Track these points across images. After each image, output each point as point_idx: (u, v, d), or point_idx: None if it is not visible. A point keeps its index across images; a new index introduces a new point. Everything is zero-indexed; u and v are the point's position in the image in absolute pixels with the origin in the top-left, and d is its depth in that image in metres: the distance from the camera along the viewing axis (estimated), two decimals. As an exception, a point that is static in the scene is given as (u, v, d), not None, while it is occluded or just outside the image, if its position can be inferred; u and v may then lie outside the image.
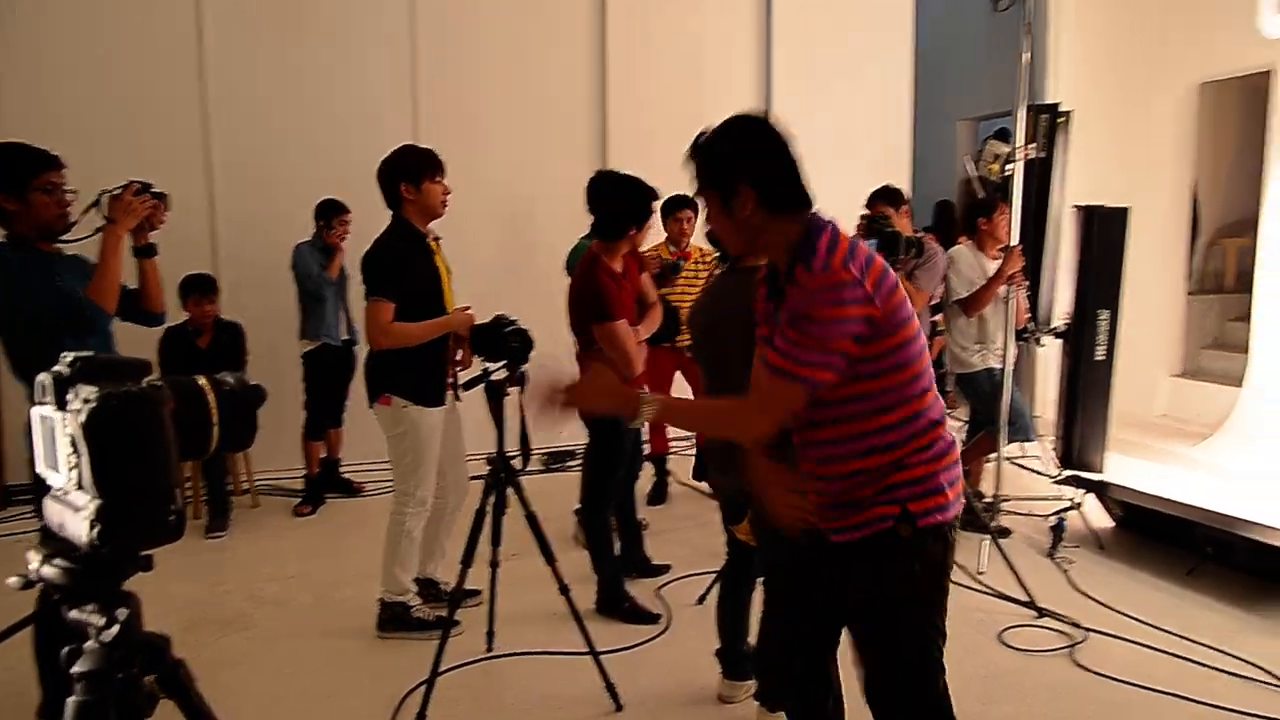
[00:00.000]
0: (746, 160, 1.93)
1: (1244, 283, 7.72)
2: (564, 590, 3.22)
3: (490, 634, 3.54)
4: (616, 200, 3.65)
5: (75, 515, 0.83)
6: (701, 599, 3.99)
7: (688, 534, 4.88)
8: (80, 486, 0.82)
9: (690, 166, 1.99)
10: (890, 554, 1.94)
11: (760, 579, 3.01)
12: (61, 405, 0.83)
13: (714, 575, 4.02)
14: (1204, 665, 3.37)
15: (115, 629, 0.88)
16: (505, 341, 3.01)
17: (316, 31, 6.00)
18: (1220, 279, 8.06)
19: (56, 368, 0.85)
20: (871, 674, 2.05)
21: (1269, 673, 3.30)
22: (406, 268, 3.43)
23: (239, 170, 5.88)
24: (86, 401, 0.81)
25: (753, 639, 3.11)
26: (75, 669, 0.89)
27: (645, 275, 3.95)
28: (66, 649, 0.90)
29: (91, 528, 0.81)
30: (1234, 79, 7.12)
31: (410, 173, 3.45)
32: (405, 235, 3.49)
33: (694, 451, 5.95)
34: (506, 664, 3.47)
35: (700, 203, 2.04)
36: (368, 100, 6.09)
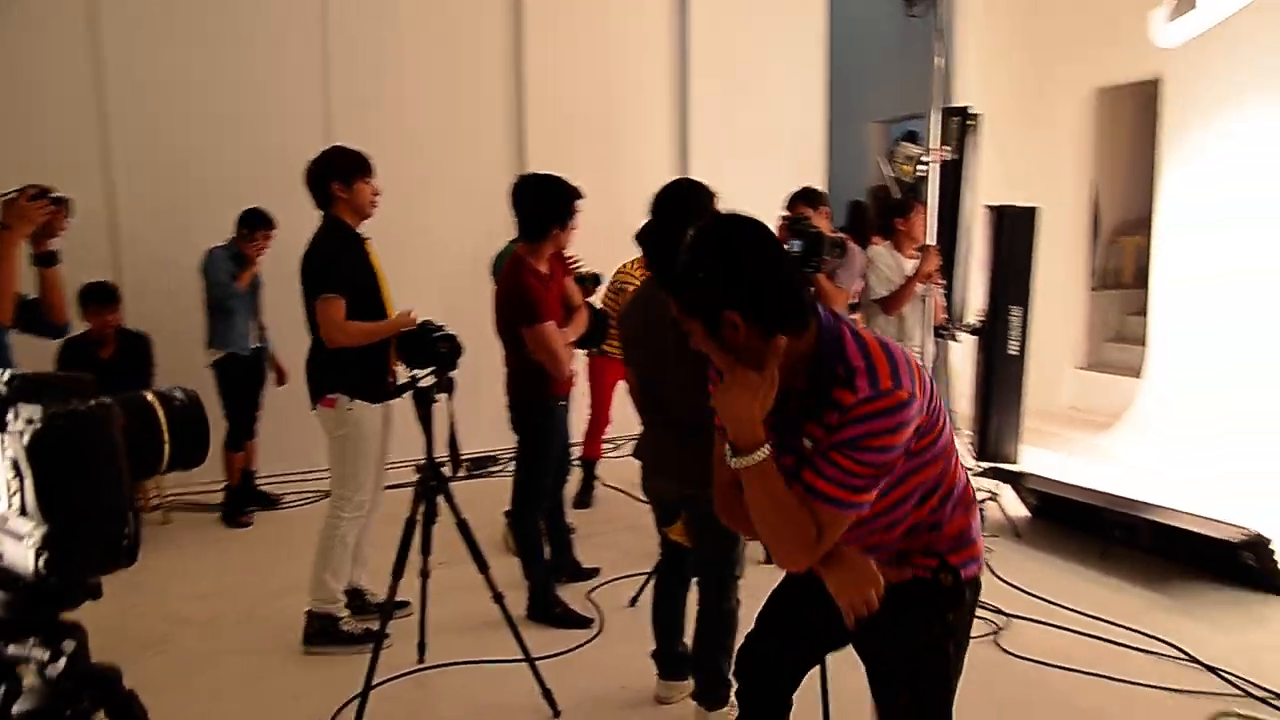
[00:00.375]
0: (734, 281, 1.66)
1: (1141, 278, 8.09)
2: (498, 598, 3.18)
3: (422, 645, 3.47)
4: (538, 201, 3.63)
5: (17, 544, 0.78)
6: (633, 601, 3.99)
7: (615, 537, 4.88)
8: (23, 512, 0.77)
9: (667, 291, 1.80)
10: (930, 599, 1.90)
11: (695, 579, 3.03)
12: None
13: (645, 577, 4.04)
14: (1119, 644, 3.51)
15: (62, 662, 0.83)
16: (434, 347, 2.96)
17: (224, 30, 5.78)
18: (1119, 275, 8.41)
19: None
20: (887, 713, 2.02)
21: (1177, 648, 3.45)
22: (347, 265, 3.41)
23: (141, 171, 5.60)
24: (30, 422, 0.75)
25: (688, 639, 3.12)
26: (16, 709, 0.83)
27: (570, 278, 3.93)
28: (2, 688, 0.85)
29: (38, 556, 0.76)
30: (1127, 85, 7.44)
31: (341, 171, 3.43)
32: (340, 233, 3.46)
33: (627, 455, 6.00)
34: (440, 675, 3.41)
35: None
36: (277, 101, 5.91)
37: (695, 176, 6.92)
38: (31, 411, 0.75)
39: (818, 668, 2.46)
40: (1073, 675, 3.28)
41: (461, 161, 6.36)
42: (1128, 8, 6.56)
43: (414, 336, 3.05)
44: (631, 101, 6.96)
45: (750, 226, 1.73)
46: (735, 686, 2.91)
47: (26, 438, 0.75)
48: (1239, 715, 2.87)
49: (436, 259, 6.18)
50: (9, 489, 0.77)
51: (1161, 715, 3.04)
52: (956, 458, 1.92)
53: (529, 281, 3.55)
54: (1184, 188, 6.69)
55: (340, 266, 3.40)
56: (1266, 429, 5.70)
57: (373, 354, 3.46)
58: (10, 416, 0.77)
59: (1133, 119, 8.02)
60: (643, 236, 2.97)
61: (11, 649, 0.83)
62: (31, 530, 0.76)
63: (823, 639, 2.12)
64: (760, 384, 1.66)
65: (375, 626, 3.18)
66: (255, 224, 5.11)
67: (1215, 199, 6.42)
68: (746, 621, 3.01)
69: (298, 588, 3.62)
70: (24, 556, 0.77)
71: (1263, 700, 3.10)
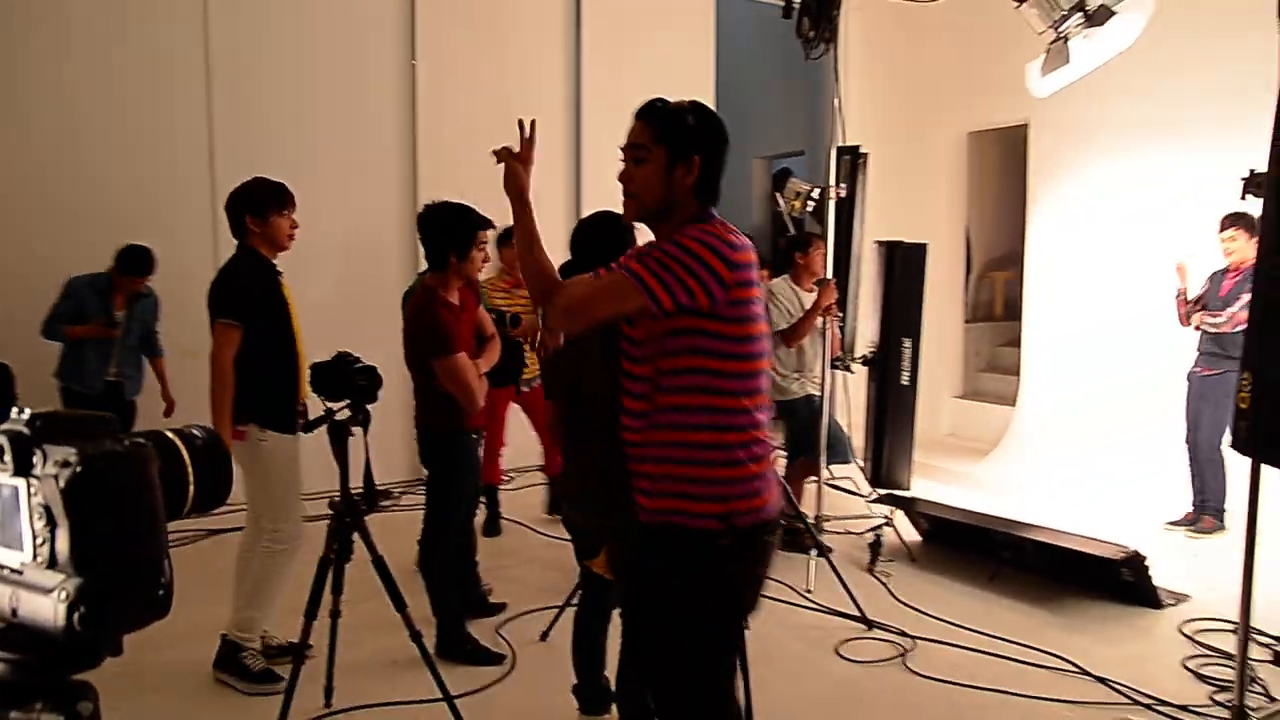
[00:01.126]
0: (709, 140, 2.14)
1: (1010, 311, 8.56)
2: (416, 636, 3.08)
3: (329, 688, 3.33)
4: (436, 230, 3.58)
5: (42, 598, 0.72)
6: (544, 636, 3.94)
7: (517, 570, 4.82)
8: (52, 564, 0.71)
9: (645, 119, 2.14)
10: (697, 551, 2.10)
11: (617, 611, 3.02)
12: (23, 470, 0.72)
13: (555, 611, 4.01)
14: (1017, 661, 3.67)
15: None
16: (352, 380, 2.87)
17: (98, 44, 5.49)
18: (991, 308, 8.87)
19: (9, 426, 0.74)
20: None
21: (1070, 662, 3.63)
22: (256, 294, 3.37)
23: (6, 194, 5.28)
24: (66, 465, 0.70)
25: (610, 673, 3.10)
26: None
27: (482, 308, 3.89)
28: None
29: (71, 610, 0.71)
30: (997, 130, 7.90)
31: (255, 205, 3.40)
32: (254, 263, 3.43)
33: (541, 484, 5.95)
34: (349, 719, 3.28)
35: (624, 156, 2.17)
36: (154, 120, 5.64)
37: (588, 206, 7.01)
38: (64, 454, 0.70)
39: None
40: (979, 693, 3.41)
41: (349, 183, 6.20)
42: (998, 56, 6.97)
43: (330, 367, 2.95)
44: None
45: (715, 115, 2.21)
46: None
47: (63, 481, 0.70)
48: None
49: (323, 281, 6.00)
50: (36, 538, 0.71)
51: (1062, 726, 3.20)
52: (765, 413, 2.14)
53: (439, 312, 3.50)
54: (1051, 226, 7.13)
55: (242, 295, 3.34)
56: (1129, 450, 6.09)
57: (281, 382, 3.41)
58: (37, 459, 0.72)
59: (1000, 160, 8.51)
60: (569, 269, 2.97)
61: (14, 715, 0.76)
62: (62, 583, 0.71)
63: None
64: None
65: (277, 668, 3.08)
66: (128, 268, 4.89)
67: (1078, 236, 6.87)
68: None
69: (187, 634, 3.42)
70: (51, 611, 0.71)
71: (1148, 707, 3.30)
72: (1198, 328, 5.26)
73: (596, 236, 2.97)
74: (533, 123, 2.38)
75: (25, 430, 0.72)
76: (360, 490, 3.02)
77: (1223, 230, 5.17)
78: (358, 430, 2.99)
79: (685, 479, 2.08)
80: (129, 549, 0.72)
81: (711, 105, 7.92)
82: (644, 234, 3.12)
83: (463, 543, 4.00)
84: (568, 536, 4.97)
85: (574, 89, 7.16)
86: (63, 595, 0.70)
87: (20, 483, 0.72)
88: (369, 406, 2.98)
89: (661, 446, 2.12)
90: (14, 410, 0.75)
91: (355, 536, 3.03)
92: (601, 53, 7.18)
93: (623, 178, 2.18)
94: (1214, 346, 5.18)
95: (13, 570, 0.74)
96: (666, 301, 1.99)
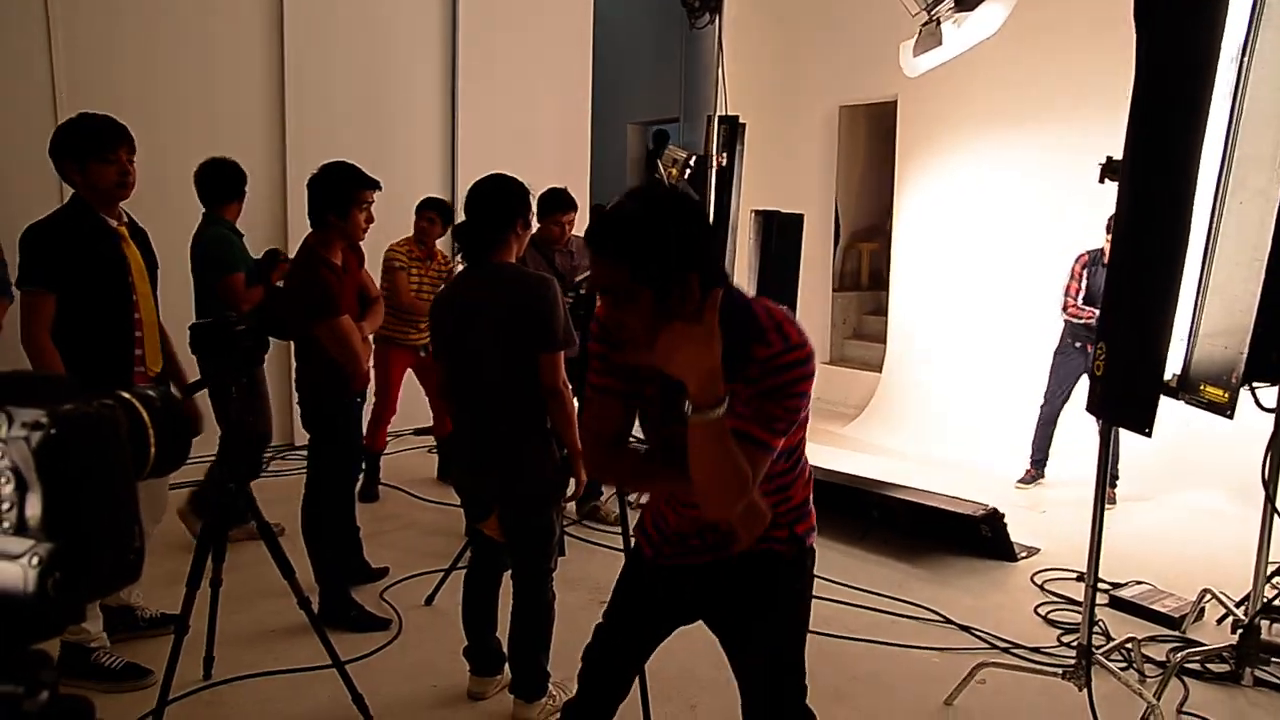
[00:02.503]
0: (698, 245, 1.70)
1: (875, 281, 8.93)
2: (304, 604, 3.01)
3: (210, 659, 3.23)
4: (316, 189, 3.44)
5: (9, 564, 0.69)
6: (429, 600, 3.93)
7: (397, 535, 4.77)
8: (21, 529, 0.69)
9: (611, 258, 1.68)
10: (786, 571, 2.05)
11: (508, 572, 3.04)
12: None
13: (441, 574, 3.99)
14: (888, 613, 3.89)
15: (45, 695, 0.74)
16: (237, 341, 2.76)
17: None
18: (857, 278, 9.21)
19: None
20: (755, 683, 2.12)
21: (936, 612, 3.88)
22: (73, 255, 2.92)
23: None
24: (36, 426, 0.67)
25: (500, 634, 3.13)
26: None
27: (365, 270, 3.80)
28: None
29: (45, 576, 0.68)
30: (867, 105, 8.18)
31: (73, 149, 2.92)
32: (78, 216, 2.96)
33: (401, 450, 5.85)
34: (230, 690, 3.19)
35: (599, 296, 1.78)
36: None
37: (463, 174, 6.90)
38: (33, 415, 0.67)
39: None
40: (854, 643, 3.60)
41: (213, 135, 5.89)
42: (869, 33, 7.21)
43: (209, 330, 2.82)
44: (401, 99, 6.78)
45: (679, 192, 1.86)
46: (553, 678, 2.98)
47: (35, 443, 0.67)
48: (998, 666, 3.26)
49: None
50: (2, 503, 0.68)
51: (930, 671, 3.41)
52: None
53: (321, 273, 3.38)
54: (917, 198, 7.45)
55: (57, 257, 2.90)
56: (986, 414, 6.48)
57: (114, 356, 3.03)
58: (1, 421, 0.68)
59: (868, 134, 8.82)
60: (461, 231, 2.95)
61: None
62: (33, 548, 0.68)
63: (672, 618, 2.20)
64: (708, 335, 1.62)
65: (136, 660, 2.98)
66: None
67: (943, 209, 7.21)
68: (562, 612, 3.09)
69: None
70: (20, 577, 0.68)
71: (1006, 650, 3.55)
72: (1072, 317, 5.50)
73: (492, 200, 2.94)
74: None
75: None
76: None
77: (1109, 232, 5.36)
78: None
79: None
80: (103, 512, 0.70)
81: (586, 73, 7.94)
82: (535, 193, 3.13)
83: (346, 508, 3.93)
84: (447, 501, 5.02)
85: (449, 55, 6.99)
86: (34, 560, 0.67)
87: None
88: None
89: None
90: None
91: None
92: (478, 17, 7.03)
93: (609, 321, 1.80)
94: (1081, 329, 5.47)
95: None
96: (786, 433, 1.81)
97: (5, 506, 0.68)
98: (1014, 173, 6.64)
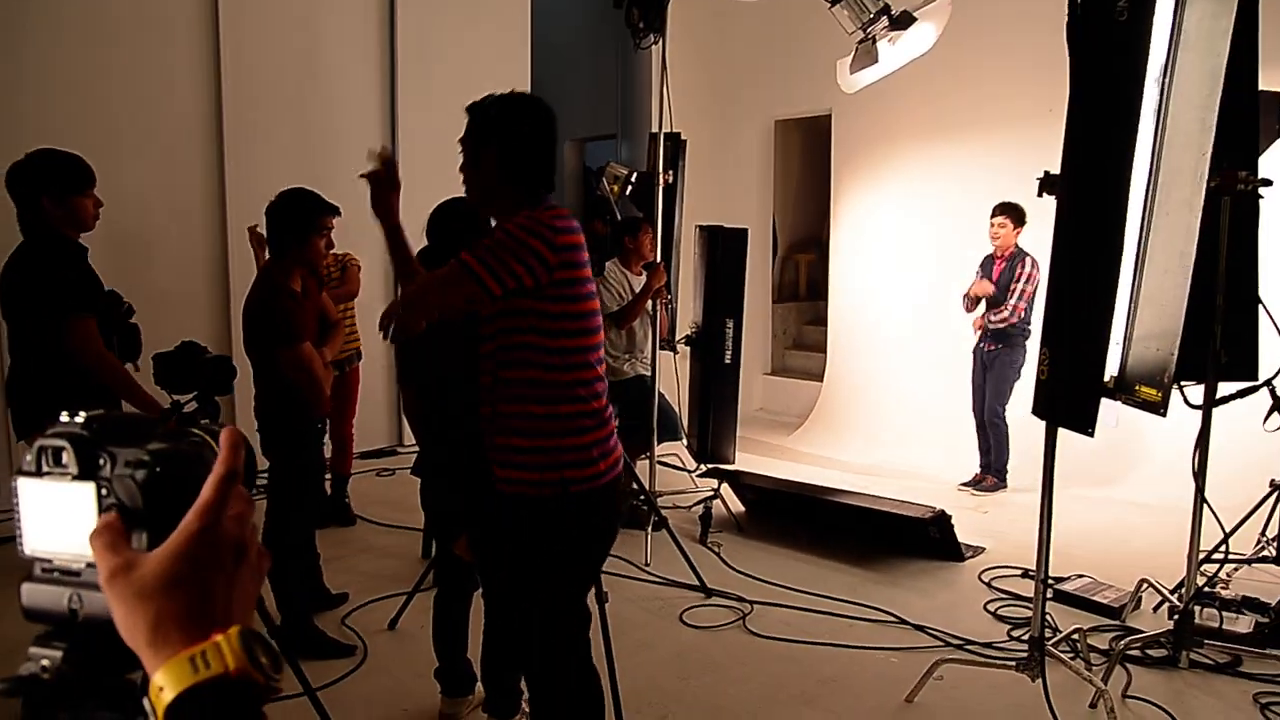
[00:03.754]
0: (505, 127, 2.24)
1: (813, 291, 9.11)
2: (275, 632, 3.00)
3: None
4: (273, 215, 3.47)
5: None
6: (393, 623, 3.92)
7: (355, 560, 4.74)
8: None
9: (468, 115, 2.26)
10: (546, 518, 2.27)
11: (478, 593, 3.07)
12: (88, 474, 0.73)
13: (402, 597, 3.98)
14: (844, 616, 3.99)
15: None
16: (203, 371, 2.75)
17: None
18: (796, 288, 9.39)
19: (65, 429, 0.74)
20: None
21: (891, 614, 3.99)
22: (90, 278, 3.09)
23: None
24: (139, 465, 0.72)
25: (473, 655, 3.15)
26: None
27: (326, 293, 3.80)
28: None
29: None
30: (802, 118, 8.36)
31: (55, 183, 3.03)
32: (66, 242, 3.08)
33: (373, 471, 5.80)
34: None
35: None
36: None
37: (409, 194, 6.84)
38: (134, 454, 0.71)
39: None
40: (814, 647, 3.69)
41: (153, 162, 5.80)
42: (803, 47, 7.40)
43: (176, 358, 2.80)
44: (340, 123, 6.72)
45: (541, 107, 2.35)
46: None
47: (140, 480, 0.71)
48: (954, 662, 3.38)
49: (127, 261, 5.60)
50: None
51: (889, 671, 3.51)
52: (602, 384, 2.30)
53: (281, 301, 3.39)
54: (853, 209, 7.65)
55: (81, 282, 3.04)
56: (927, 419, 6.68)
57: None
58: (104, 460, 0.72)
59: (803, 147, 9.01)
60: (423, 256, 2.97)
61: (64, 717, 0.76)
62: None
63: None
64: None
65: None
66: None
67: (878, 220, 7.42)
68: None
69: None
70: None
71: (959, 647, 3.68)
72: (980, 325, 5.78)
73: (449, 222, 2.99)
74: (386, 148, 2.53)
75: (84, 433, 0.73)
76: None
77: (994, 216, 5.73)
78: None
79: (526, 450, 2.24)
80: None
81: (525, 88, 7.97)
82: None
83: (308, 535, 3.90)
84: (403, 524, 5.00)
85: (388, 78, 6.97)
86: None
87: (85, 486, 0.72)
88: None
89: (506, 418, 2.26)
90: (63, 414, 0.75)
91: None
92: (414, 36, 7.02)
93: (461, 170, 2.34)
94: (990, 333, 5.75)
95: (66, 572, 0.74)
96: (495, 287, 2.14)
97: None
98: (947, 183, 6.87)
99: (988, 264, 5.82)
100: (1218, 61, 2.58)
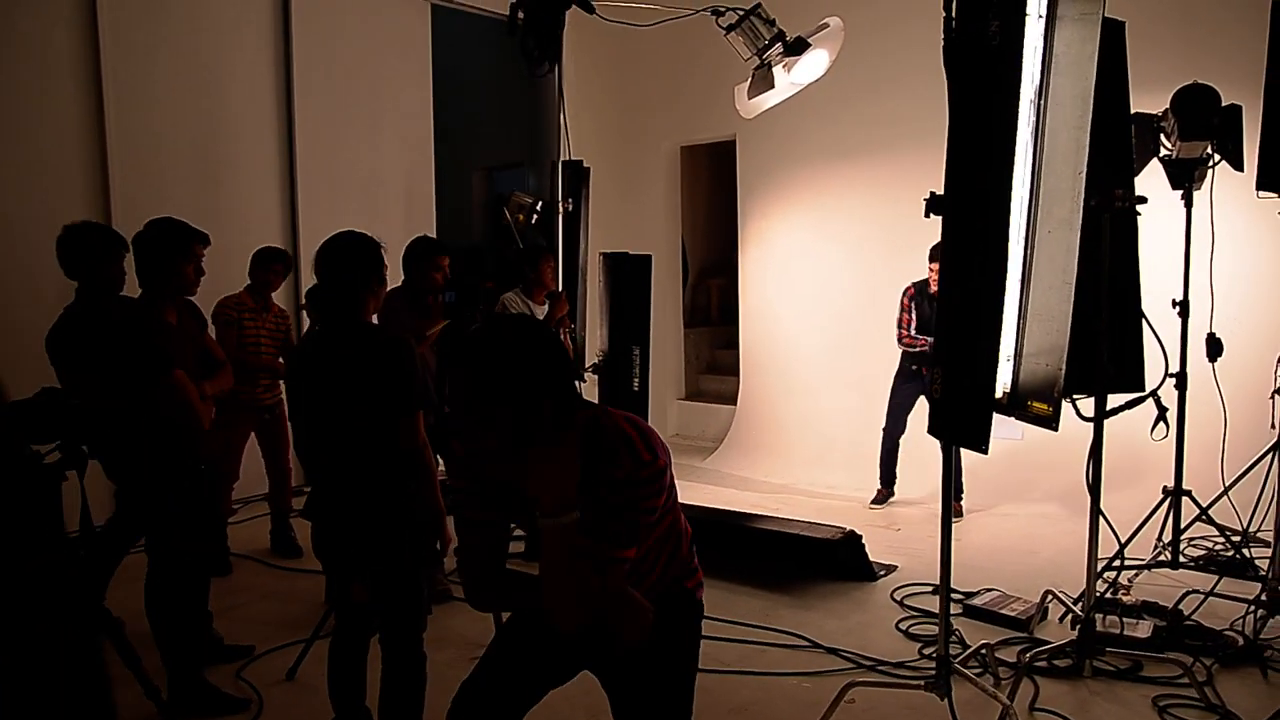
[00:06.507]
0: (548, 371, 1.87)
1: (725, 316, 9.16)
2: (153, 694, 2.83)
3: (47, 765, 2.99)
4: (140, 245, 3.36)
5: None
6: (291, 673, 3.76)
7: (253, 608, 4.55)
8: None
9: (471, 380, 1.85)
10: (674, 619, 2.16)
11: (375, 637, 2.95)
12: None
13: (302, 646, 3.82)
14: (757, 643, 3.95)
15: None
16: (69, 418, 2.59)
17: None
18: (708, 312, 9.44)
19: None
20: None
21: (803, 638, 3.97)
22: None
23: None
24: None
25: (370, 703, 3.02)
26: None
27: (210, 332, 3.65)
28: None
29: None
30: (707, 145, 8.44)
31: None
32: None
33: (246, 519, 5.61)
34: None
35: None
36: None
37: (305, 223, 6.68)
38: None
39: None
40: (725, 677, 3.63)
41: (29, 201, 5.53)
42: (705, 74, 7.46)
43: (34, 407, 2.63)
44: (234, 147, 6.51)
45: (536, 325, 2.03)
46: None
47: None
48: (864, 684, 3.37)
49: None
50: None
51: (801, 696, 3.48)
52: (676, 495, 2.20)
53: (150, 331, 3.28)
54: (760, 233, 7.72)
55: None
56: (840, 438, 6.74)
57: None
58: None
59: (711, 173, 9.09)
60: (314, 293, 2.88)
61: None
62: None
63: (551, 676, 2.21)
64: (568, 459, 1.88)
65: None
66: None
67: (785, 243, 7.50)
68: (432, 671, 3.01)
69: None
70: None
71: (871, 668, 3.67)
72: (907, 347, 5.80)
73: (346, 260, 2.89)
74: None
75: None
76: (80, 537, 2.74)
77: (932, 261, 5.62)
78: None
79: None
80: None
81: (429, 117, 7.85)
82: (392, 255, 3.10)
83: (197, 584, 3.71)
84: (303, 568, 4.81)
85: (284, 101, 6.79)
86: None
87: None
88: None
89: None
90: None
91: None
92: (313, 61, 6.87)
93: (471, 443, 2.03)
94: (917, 356, 5.76)
95: None
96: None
97: None
98: (852, 205, 6.99)
99: (924, 304, 5.68)
100: (1087, 84, 2.64)
